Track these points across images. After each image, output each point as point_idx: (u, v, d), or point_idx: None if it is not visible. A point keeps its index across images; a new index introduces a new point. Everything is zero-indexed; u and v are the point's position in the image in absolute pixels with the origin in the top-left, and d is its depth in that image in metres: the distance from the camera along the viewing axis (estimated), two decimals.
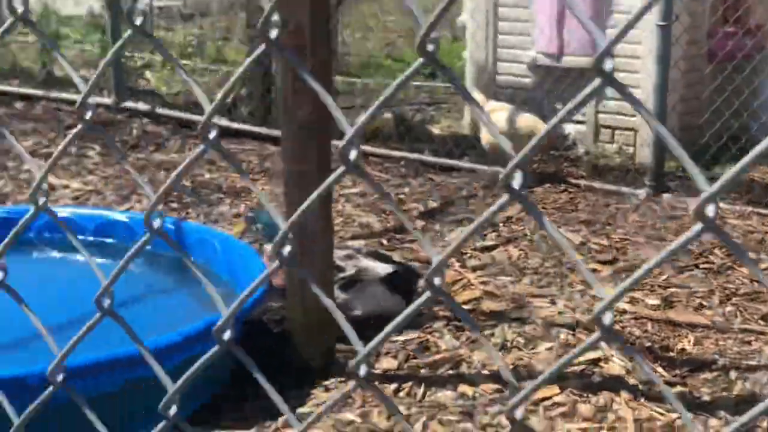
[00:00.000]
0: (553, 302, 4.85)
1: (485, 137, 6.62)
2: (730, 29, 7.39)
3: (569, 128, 7.37)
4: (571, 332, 4.52)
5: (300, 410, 3.95)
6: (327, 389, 4.08)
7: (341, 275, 4.49)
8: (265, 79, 7.83)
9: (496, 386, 4.07)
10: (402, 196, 6.37)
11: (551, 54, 7.71)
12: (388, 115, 7.73)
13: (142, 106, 8.29)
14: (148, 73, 9.44)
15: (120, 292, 1.52)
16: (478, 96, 6.89)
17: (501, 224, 5.91)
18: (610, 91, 1.04)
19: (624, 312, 4.73)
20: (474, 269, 5.25)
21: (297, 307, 4.16)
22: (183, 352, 3.56)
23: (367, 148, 7.18)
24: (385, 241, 5.59)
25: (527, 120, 6.68)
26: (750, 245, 5.67)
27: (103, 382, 3.36)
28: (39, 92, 8.62)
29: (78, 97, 1.46)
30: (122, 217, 5.17)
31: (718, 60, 7.13)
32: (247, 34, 8.47)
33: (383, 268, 4.62)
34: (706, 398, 3.97)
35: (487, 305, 4.76)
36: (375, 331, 3.80)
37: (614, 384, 4.00)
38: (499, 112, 6.70)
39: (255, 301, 4.13)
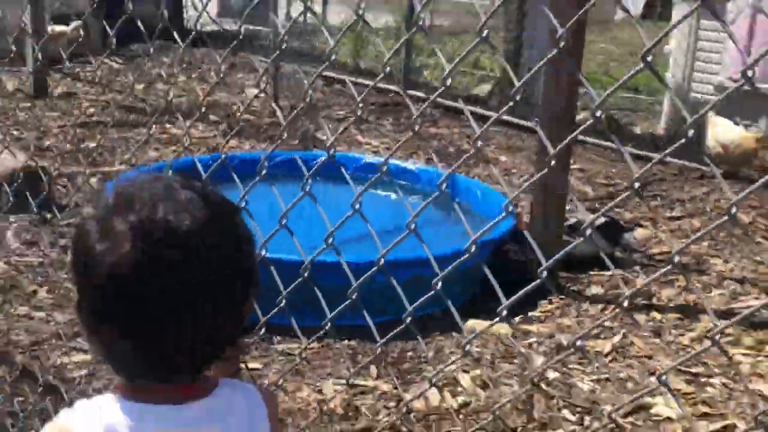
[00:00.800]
0: (726, 261, 4.76)
1: (713, 140, 6.39)
2: None
3: None
4: (740, 284, 4.42)
5: (531, 313, 4.08)
6: (550, 302, 4.18)
7: (566, 224, 4.55)
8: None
9: (678, 315, 4.05)
10: (611, 174, 6.35)
11: (737, 79, 7.37)
12: (602, 115, 7.63)
13: (420, 94, 8.53)
14: (425, 72, 9.62)
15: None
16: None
17: (686, 201, 5.80)
18: None
19: None
20: (664, 232, 5.20)
21: (535, 237, 4.26)
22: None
23: (588, 138, 7.15)
24: (597, 204, 5.60)
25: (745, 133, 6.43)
26: None
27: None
28: (350, 78, 8.97)
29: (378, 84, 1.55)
30: (411, 167, 5.43)
31: None
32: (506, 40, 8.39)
33: (597, 220, 4.65)
34: None
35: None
36: (587, 265, 3.83)
37: None
38: (719, 126, 6.45)
39: (505, 232, 4.27)
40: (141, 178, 1.14)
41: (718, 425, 3.11)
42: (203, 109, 2.27)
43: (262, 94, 7.90)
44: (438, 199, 1.63)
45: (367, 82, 8.72)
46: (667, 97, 7.99)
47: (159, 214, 1.06)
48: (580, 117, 7.76)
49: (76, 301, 1.13)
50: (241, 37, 2.01)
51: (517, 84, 1.38)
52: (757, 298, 4.25)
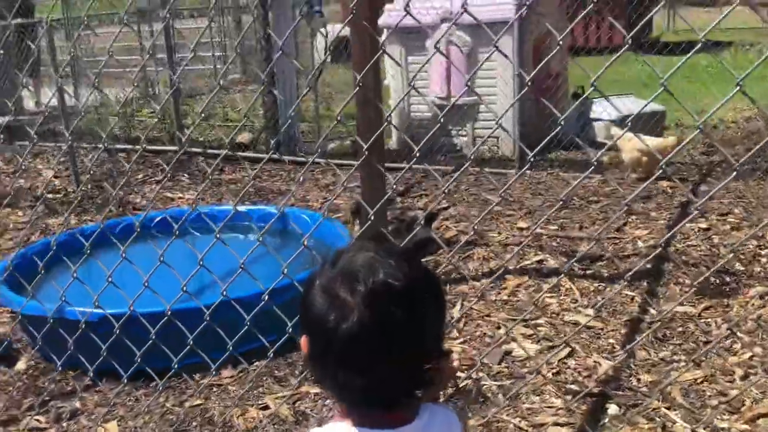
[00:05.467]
0: (499, 233, 5.27)
1: (626, 154, 6.42)
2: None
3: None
4: (516, 246, 4.93)
5: None
6: None
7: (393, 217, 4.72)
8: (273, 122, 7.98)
9: (488, 280, 4.43)
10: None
11: (443, 96, 8.02)
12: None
13: (197, 150, 8.29)
14: (188, 131, 9.34)
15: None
16: (617, 130, 6.79)
17: (449, 193, 6.29)
18: None
19: None
20: (444, 220, 5.63)
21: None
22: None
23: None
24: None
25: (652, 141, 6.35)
26: None
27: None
28: (126, 146, 8.47)
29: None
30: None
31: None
32: (262, 92, 8.44)
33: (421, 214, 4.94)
34: None
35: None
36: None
37: None
38: (634, 140, 6.29)
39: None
40: (350, 251, 1.19)
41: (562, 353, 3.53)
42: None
43: (62, 174, 7.27)
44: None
45: (151, 147, 8.26)
46: (394, 119, 8.54)
47: (379, 282, 1.12)
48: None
49: (307, 353, 1.19)
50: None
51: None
52: (536, 255, 4.80)
